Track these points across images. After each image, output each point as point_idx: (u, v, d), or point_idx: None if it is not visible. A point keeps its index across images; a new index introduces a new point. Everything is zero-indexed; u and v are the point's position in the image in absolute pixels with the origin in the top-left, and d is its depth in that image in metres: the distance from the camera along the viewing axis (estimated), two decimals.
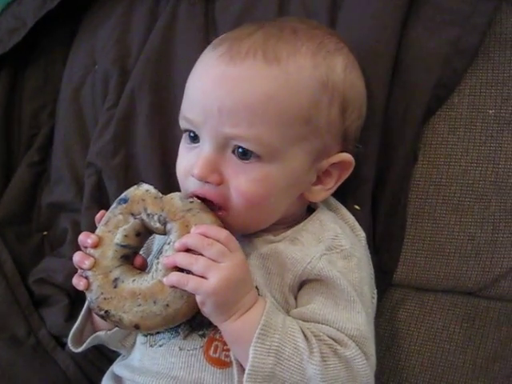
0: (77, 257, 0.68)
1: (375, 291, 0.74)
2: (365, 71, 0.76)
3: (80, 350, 0.76)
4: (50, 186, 1.03)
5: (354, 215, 0.76)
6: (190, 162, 0.69)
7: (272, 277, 0.67)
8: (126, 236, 0.67)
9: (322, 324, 0.64)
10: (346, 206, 0.77)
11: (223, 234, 0.63)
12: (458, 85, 0.81)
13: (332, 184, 0.72)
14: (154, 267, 0.65)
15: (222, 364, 0.66)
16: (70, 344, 0.76)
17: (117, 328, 0.73)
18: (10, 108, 1.06)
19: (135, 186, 0.69)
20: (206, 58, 0.70)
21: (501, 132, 0.80)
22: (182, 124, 0.71)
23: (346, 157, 0.71)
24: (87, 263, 0.66)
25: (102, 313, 0.65)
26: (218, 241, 0.62)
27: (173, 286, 0.62)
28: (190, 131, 0.70)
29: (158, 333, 0.70)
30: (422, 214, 0.82)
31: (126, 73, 0.95)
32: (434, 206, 0.81)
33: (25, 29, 1.00)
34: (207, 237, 0.62)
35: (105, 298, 0.65)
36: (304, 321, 0.64)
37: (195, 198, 0.67)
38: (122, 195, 0.69)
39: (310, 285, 0.67)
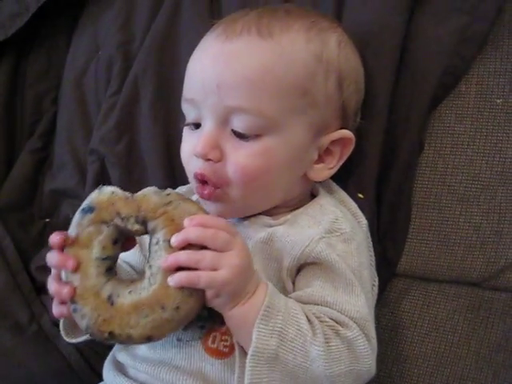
0: (52, 287, 0.63)
1: (376, 279, 0.74)
2: (371, 58, 0.76)
3: (74, 341, 0.72)
4: (53, 173, 1.03)
5: (357, 203, 0.75)
6: (192, 143, 0.69)
7: (270, 262, 0.67)
8: (104, 248, 0.61)
9: (322, 306, 0.63)
10: (349, 194, 0.76)
11: (221, 220, 0.61)
12: (465, 73, 0.80)
13: (334, 162, 0.72)
14: (148, 272, 0.60)
15: (221, 354, 0.65)
16: (64, 335, 0.71)
17: None
18: (12, 94, 1.05)
19: (97, 191, 0.62)
20: (204, 40, 0.72)
21: (508, 122, 0.79)
22: (184, 108, 0.72)
23: (346, 133, 0.71)
24: (66, 291, 0.60)
25: (106, 335, 0.59)
26: (218, 229, 0.60)
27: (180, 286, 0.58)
28: (192, 124, 0.71)
29: None
30: (428, 204, 0.81)
31: (130, 58, 0.95)
32: (440, 195, 0.81)
33: (27, 14, 0.99)
34: (207, 227, 0.59)
35: (104, 320, 0.59)
36: (302, 304, 0.64)
37: (170, 189, 0.62)
38: (85, 204, 0.62)
39: (307, 268, 0.66)
